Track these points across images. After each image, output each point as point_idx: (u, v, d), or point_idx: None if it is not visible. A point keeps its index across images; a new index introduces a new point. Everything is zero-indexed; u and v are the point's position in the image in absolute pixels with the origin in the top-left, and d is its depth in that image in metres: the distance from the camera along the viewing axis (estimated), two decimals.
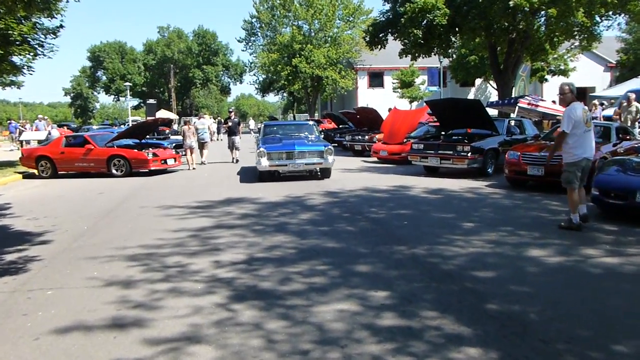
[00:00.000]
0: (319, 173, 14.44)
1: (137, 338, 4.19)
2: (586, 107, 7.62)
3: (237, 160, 19.78)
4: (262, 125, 16.26)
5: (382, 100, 41.76)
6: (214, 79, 72.42)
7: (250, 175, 15.35)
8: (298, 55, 46.86)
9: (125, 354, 3.91)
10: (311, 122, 16.81)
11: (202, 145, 19.77)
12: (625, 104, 16.74)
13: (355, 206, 9.94)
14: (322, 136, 17.46)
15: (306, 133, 15.55)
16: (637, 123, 16.08)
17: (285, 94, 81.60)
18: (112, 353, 3.94)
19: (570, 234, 7.19)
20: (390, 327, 4.22)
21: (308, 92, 52.77)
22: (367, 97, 45.85)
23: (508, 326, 4.18)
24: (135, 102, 71.60)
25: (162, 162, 16.85)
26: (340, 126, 28.99)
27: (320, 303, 4.79)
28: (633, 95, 16.67)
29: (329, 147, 13.81)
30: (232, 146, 20.16)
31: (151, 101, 48.95)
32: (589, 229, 7.45)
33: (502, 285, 5.17)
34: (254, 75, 74.48)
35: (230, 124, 20.62)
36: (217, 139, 37.11)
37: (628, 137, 11.70)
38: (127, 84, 53.38)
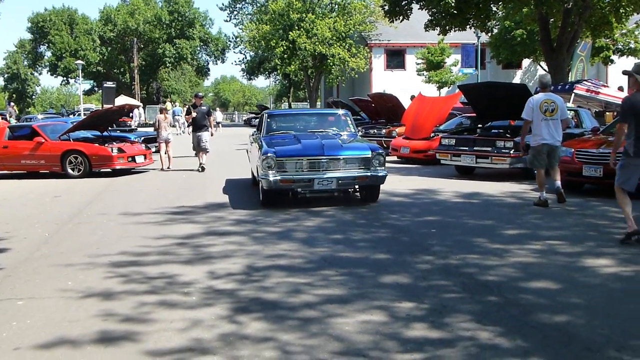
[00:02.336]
0: (357, 193, 12.23)
1: (132, 350, 4.74)
2: (552, 98, 10.59)
3: (202, 168, 17.83)
4: (265, 115, 13.28)
5: (403, 84, 42.44)
6: (189, 57, 73.30)
7: (243, 194, 12.99)
8: (296, 28, 47.71)
9: None
10: (341, 111, 14.18)
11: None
12: None
13: (372, 212, 10.54)
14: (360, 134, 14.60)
15: (335, 128, 12.79)
16: None
17: (278, 77, 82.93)
18: None
19: (631, 245, 7.76)
20: (419, 337, 4.80)
21: (309, 75, 53.59)
22: (384, 80, 46.55)
23: (551, 336, 4.76)
24: (88, 85, 72.38)
25: (130, 159, 17.46)
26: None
27: (338, 315, 5.36)
28: None
29: (379, 150, 11.17)
30: (197, 146, 17.99)
31: (109, 84, 49.63)
32: None
33: (548, 296, 5.75)
34: (240, 52, 75.88)
35: (195, 113, 18.21)
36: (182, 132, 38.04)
37: None
38: (79, 62, 54.15)
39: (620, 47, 39.81)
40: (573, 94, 20.00)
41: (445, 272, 6.66)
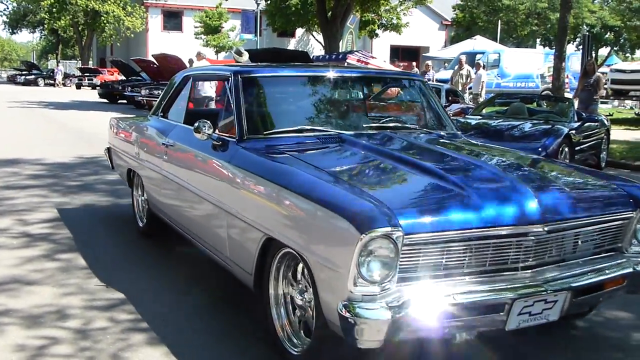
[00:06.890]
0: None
1: None
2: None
3: None
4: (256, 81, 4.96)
5: (180, 47, 42.21)
6: None
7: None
8: None
9: None
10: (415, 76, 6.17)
11: None
12: (457, 67, 20.06)
13: None
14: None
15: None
16: (467, 88, 19.39)
17: (45, 32, 77.86)
18: None
19: None
20: None
21: (80, 32, 51.37)
22: (161, 42, 46.13)
23: None
24: None
25: None
26: (131, 77, 29.39)
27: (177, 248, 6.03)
28: (464, 58, 20.00)
29: None
30: None
31: None
32: None
33: None
34: (1, 2, 70.11)
35: None
36: None
37: (457, 100, 14.43)
38: None
39: (384, 22, 43.22)
40: (346, 63, 21.83)
41: None
